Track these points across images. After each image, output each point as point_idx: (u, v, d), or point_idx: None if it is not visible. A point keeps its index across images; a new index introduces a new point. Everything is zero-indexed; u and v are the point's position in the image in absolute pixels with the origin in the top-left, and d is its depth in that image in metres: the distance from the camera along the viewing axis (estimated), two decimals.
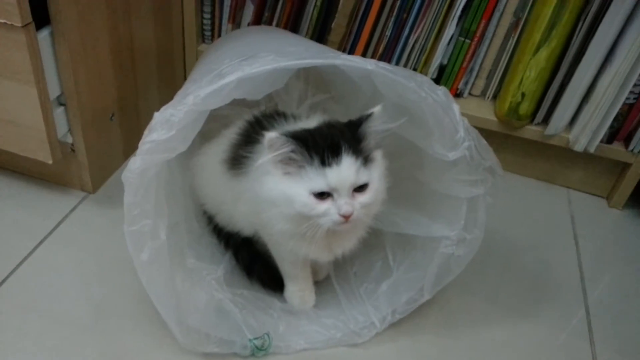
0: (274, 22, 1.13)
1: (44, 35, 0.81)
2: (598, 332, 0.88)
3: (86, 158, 0.95)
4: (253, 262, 0.85)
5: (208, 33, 1.19)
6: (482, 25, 1.04)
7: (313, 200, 0.64)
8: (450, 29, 1.03)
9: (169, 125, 0.61)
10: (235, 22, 1.18)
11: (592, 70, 0.99)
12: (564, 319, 0.90)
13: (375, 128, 0.67)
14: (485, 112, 1.11)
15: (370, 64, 0.64)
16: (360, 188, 0.66)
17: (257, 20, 1.14)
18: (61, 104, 0.90)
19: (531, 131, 1.09)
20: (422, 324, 0.84)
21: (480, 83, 1.12)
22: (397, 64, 1.11)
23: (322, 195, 0.65)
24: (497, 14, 1.03)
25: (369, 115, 0.67)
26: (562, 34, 0.97)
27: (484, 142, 0.71)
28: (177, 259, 0.76)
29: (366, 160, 0.66)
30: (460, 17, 1.03)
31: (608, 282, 0.99)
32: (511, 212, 1.10)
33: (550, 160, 1.14)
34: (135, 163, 0.62)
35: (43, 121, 0.85)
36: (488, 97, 1.13)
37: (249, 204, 0.76)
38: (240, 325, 0.77)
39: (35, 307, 0.81)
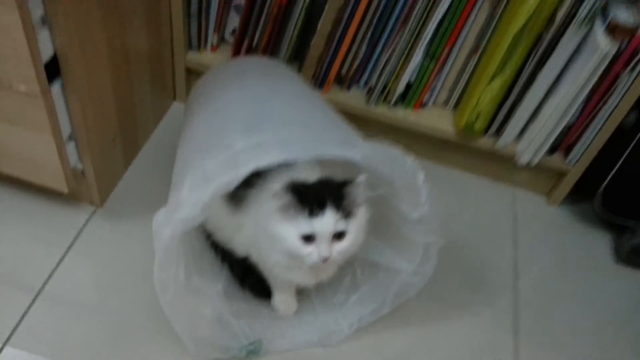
0: (256, 36, 1.22)
1: (56, 89, 0.91)
2: (523, 326, 1.07)
3: (94, 180, 1.08)
4: (245, 275, 1.01)
5: (195, 43, 1.27)
6: (446, 50, 1.15)
7: (300, 243, 0.81)
8: (418, 55, 1.15)
9: (195, 206, 0.74)
10: (220, 33, 1.26)
11: (540, 96, 1.14)
12: (493, 313, 1.08)
13: (357, 192, 0.82)
14: (445, 123, 1.25)
15: (358, 154, 0.77)
16: (339, 236, 0.82)
17: (242, 33, 1.23)
18: (71, 139, 1.01)
19: (484, 142, 1.24)
20: (380, 323, 1.02)
21: (443, 95, 1.26)
22: (368, 79, 1.23)
23: (308, 240, 0.80)
24: (460, 41, 1.14)
25: (353, 182, 0.81)
26: (514, 67, 1.10)
27: (438, 203, 0.87)
28: (186, 280, 0.92)
29: (347, 214, 0.81)
30: (427, 44, 1.14)
31: (538, 277, 1.17)
32: (460, 209, 1.27)
33: (499, 163, 1.30)
34: (165, 233, 0.75)
35: (59, 160, 0.97)
36: (449, 107, 1.27)
37: (246, 237, 0.91)
38: (238, 333, 0.95)
39: (61, 325, 0.97)
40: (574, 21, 1.02)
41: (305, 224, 0.79)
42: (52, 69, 0.89)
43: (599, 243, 1.27)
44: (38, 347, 0.94)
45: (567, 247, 1.25)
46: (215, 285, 0.98)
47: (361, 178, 0.81)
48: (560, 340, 1.08)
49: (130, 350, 0.96)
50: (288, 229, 0.80)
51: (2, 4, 0.75)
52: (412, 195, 0.85)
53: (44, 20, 0.83)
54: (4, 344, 0.94)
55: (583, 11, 1.01)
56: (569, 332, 1.09)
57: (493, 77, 1.12)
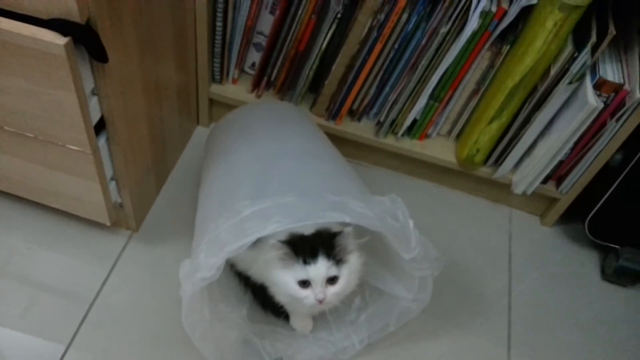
0: (274, 73, 1.33)
1: (102, 141, 1.03)
2: (515, 340, 1.21)
3: (131, 209, 1.21)
4: (266, 299, 1.15)
5: (217, 76, 1.38)
6: (449, 93, 1.26)
7: (297, 287, 0.94)
8: (424, 98, 1.25)
9: (211, 269, 0.87)
10: (240, 67, 1.37)
11: (533, 137, 1.24)
12: (488, 328, 1.22)
13: (346, 242, 0.94)
14: (448, 153, 1.37)
15: (347, 217, 0.88)
16: (332, 281, 0.94)
17: (261, 70, 1.34)
18: (112, 179, 1.14)
19: (483, 171, 1.36)
20: (386, 340, 1.15)
21: (446, 126, 1.37)
22: (377, 113, 1.34)
23: (304, 284, 0.93)
24: (462, 85, 1.25)
25: (340, 233, 0.93)
26: (510, 113, 1.21)
27: (430, 244, 0.99)
28: (213, 309, 1.06)
29: (339, 261, 0.94)
30: (432, 88, 1.25)
31: (531, 293, 1.29)
32: (459, 228, 1.40)
33: (497, 187, 1.41)
34: (189, 290, 0.89)
35: (103, 199, 1.10)
36: (452, 137, 1.38)
37: (260, 269, 1.04)
38: (262, 353, 1.10)
39: (109, 336, 1.12)
40: (566, 76, 1.12)
41: (300, 271, 0.92)
42: (98, 125, 1.00)
43: (588, 261, 1.39)
44: (95, 352, 1.10)
45: (558, 264, 1.37)
46: (240, 310, 1.13)
47: (348, 229, 0.93)
48: (551, 353, 1.21)
49: None
50: (286, 276, 0.93)
51: (61, 87, 0.87)
52: (404, 240, 0.97)
53: (94, 92, 0.94)
54: (68, 346, 1.10)
55: (575, 68, 1.11)
56: (558, 345, 1.22)
57: (491, 121, 1.23)
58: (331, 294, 0.94)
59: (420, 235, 0.98)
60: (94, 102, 0.96)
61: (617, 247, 1.33)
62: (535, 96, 1.18)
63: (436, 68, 1.20)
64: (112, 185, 1.13)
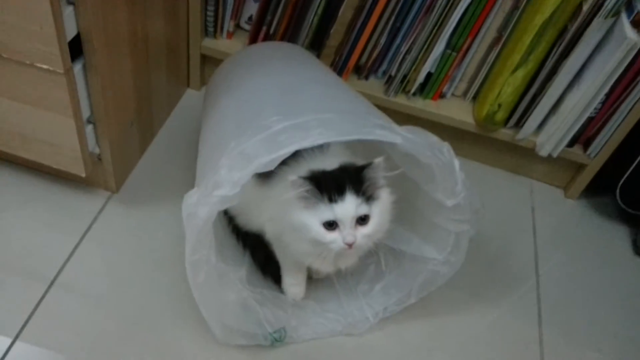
0: (274, 24, 1.20)
1: (78, 68, 0.89)
2: (546, 316, 1.08)
3: (111, 165, 1.05)
4: (267, 261, 0.99)
5: (211, 29, 1.25)
6: (468, 41, 1.14)
7: (323, 230, 0.79)
8: (440, 46, 1.14)
9: (235, 185, 0.72)
10: (236, 20, 1.25)
11: (562, 88, 1.13)
12: (515, 303, 1.09)
13: (376, 175, 0.80)
14: (464, 114, 1.24)
15: (398, 138, 0.76)
16: (363, 220, 0.80)
17: (259, 21, 1.21)
18: (90, 122, 0.99)
19: (503, 133, 1.23)
20: (404, 313, 1.00)
21: (462, 86, 1.25)
22: (387, 69, 1.21)
23: (331, 226, 0.79)
24: (482, 31, 1.13)
25: (370, 164, 0.80)
26: (538, 58, 1.09)
27: (474, 190, 0.85)
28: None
29: (369, 198, 0.80)
30: (450, 34, 1.13)
31: (559, 268, 1.17)
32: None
33: (517, 155, 1.29)
34: (203, 212, 0.73)
35: (78, 143, 0.95)
36: (468, 98, 1.26)
37: (266, 212, 0.89)
38: (262, 320, 0.93)
39: (77, 316, 0.95)
40: (599, 13, 1.01)
41: (326, 211, 0.78)
42: (74, 50, 0.86)
43: (618, 236, 1.27)
44: (51, 341, 0.91)
45: (586, 239, 1.25)
46: (238, 270, 0.96)
47: (379, 160, 0.80)
48: (584, 330, 1.08)
49: (149, 339, 0.93)
50: (310, 217, 0.79)
51: None
52: (448, 183, 0.83)
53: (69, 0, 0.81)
54: (15, 338, 0.90)
55: (609, 3, 1.00)
56: (592, 322, 1.09)
57: (516, 68, 1.11)
58: (362, 235, 0.80)
59: (465, 179, 0.84)
60: (69, 12, 0.82)
61: None
62: (565, 38, 1.06)
63: (455, 7, 1.08)
64: (89, 130, 0.98)
